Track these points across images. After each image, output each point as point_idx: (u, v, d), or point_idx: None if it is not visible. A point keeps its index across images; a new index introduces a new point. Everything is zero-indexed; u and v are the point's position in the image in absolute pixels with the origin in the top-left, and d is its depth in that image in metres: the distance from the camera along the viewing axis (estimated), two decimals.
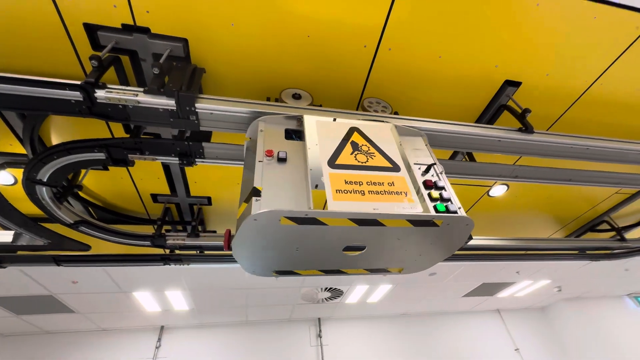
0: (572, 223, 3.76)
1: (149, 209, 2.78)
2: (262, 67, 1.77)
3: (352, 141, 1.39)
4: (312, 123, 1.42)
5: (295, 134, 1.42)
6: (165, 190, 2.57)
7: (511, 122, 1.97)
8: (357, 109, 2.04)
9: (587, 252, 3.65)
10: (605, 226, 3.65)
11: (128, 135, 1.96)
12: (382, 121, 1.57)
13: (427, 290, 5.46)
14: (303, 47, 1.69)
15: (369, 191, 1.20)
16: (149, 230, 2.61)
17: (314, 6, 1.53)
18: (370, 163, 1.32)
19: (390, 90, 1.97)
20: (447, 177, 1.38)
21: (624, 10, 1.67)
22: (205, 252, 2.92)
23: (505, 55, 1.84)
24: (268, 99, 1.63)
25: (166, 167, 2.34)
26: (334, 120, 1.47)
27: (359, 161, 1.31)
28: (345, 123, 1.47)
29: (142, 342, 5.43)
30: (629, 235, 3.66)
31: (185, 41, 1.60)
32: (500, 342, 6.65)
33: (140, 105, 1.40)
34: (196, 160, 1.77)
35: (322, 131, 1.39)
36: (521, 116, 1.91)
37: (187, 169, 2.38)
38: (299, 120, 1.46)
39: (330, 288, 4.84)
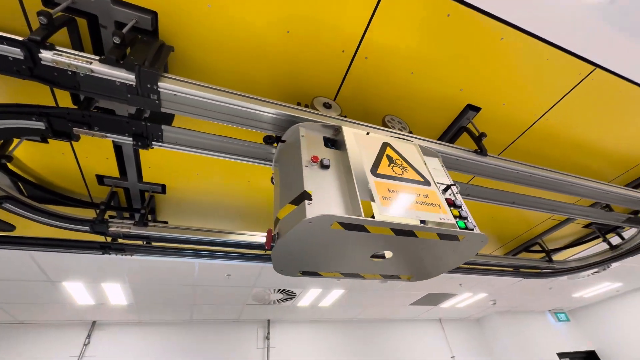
0: (511, 242, 4.13)
1: (92, 191, 2.52)
2: (239, 57, 1.71)
3: (387, 154, 1.46)
4: (351, 134, 1.47)
5: (331, 143, 1.47)
6: (114, 172, 2.35)
7: (468, 143, 2.11)
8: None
9: (521, 269, 4.02)
10: (537, 247, 4.07)
11: (76, 107, 1.77)
12: (407, 140, 1.68)
13: (376, 297, 5.62)
14: (283, 42, 1.66)
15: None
16: (89, 214, 2.37)
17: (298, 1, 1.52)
18: (406, 176, 1.39)
19: (362, 96, 2.01)
20: None
21: (570, 57, 1.88)
22: (153, 243, 2.72)
23: (470, 80, 1.97)
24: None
25: (118, 148, 2.14)
26: (367, 133, 1.54)
27: (395, 173, 1.38)
28: (377, 137, 1.54)
29: (69, 338, 4.89)
30: (555, 257, 4.12)
31: (154, 14, 1.48)
32: (439, 350, 7.05)
33: (93, 74, 1.27)
34: (153, 143, 1.64)
35: (360, 143, 1.46)
36: (478, 139, 2.05)
37: (142, 152, 2.21)
38: (336, 130, 1.52)
39: (284, 290, 4.78)
